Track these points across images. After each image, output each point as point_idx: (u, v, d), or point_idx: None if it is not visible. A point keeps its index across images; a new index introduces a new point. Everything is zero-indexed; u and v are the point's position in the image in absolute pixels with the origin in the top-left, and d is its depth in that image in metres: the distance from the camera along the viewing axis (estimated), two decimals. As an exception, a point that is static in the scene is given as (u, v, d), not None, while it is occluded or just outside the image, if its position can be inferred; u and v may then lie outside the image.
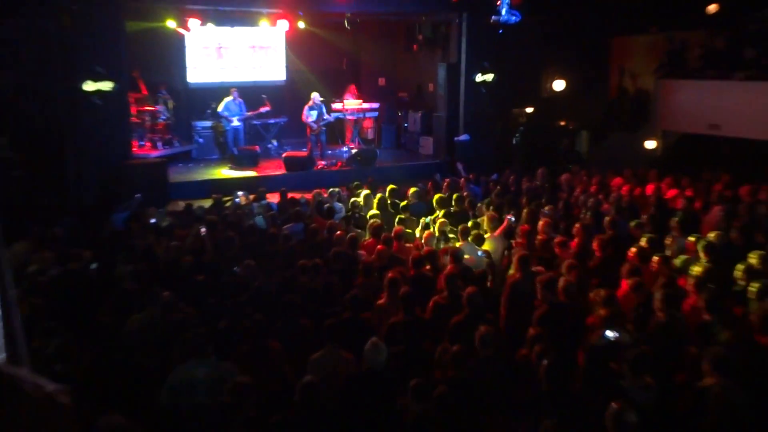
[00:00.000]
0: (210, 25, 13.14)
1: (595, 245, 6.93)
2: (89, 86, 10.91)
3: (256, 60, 16.07)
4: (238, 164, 13.81)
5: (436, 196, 9.42)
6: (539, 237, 7.28)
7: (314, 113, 14.05)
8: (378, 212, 8.90)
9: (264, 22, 13.62)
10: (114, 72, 11.24)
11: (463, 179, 11.16)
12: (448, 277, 5.74)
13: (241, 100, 14.78)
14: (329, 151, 15.18)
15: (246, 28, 15.31)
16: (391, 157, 15.58)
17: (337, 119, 15.41)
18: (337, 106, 15.54)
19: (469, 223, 8.09)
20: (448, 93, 14.75)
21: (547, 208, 8.75)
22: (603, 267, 6.59)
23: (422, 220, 8.51)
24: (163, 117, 14.52)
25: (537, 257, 6.73)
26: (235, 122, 14.63)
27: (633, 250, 6.63)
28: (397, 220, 8.48)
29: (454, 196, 9.40)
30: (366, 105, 15.89)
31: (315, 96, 14.09)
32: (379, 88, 17.58)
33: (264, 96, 15.11)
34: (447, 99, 14.79)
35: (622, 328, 4.92)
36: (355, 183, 11.03)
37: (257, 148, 14.52)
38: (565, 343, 4.87)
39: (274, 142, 15.88)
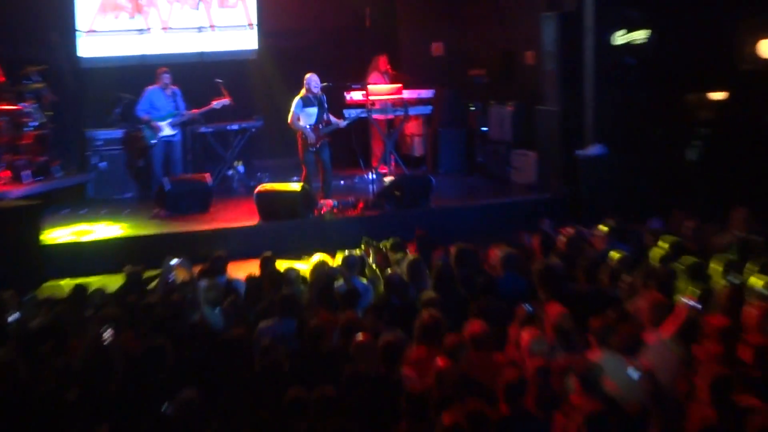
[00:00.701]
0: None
1: None
2: None
3: (204, 15, 16.47)
4: (172, 208, 14.09)
5: (543, 264, 9.37)
6: (750, 338, 7.09)
7: (312, 112, 14.14)
8: (436, 295, 8.79)
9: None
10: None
11: (600, 231, 11.08)
12: (591, 420, 5.65)
13: (176, 88, 15.10)
14: (341, 182, 15.49)
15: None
16: (456, 190, 15.78)
17: (356, 121, 15.46)
18: (355, 95, 15.73)
19: (611, 314, 7.90)
20: (564, 68, 14.82)
21: (758, 282, 8.51)
22: None
23: (520, 308, 8.31)
24: (34, 123, 14.71)
25: (746, 378, 6.54)
26: (167, 130, 14.96)
27: None
28: (472, 308, 8.38)
29: (581, 262, 9.26)
30: (409, 93, 15.98)
31: (311, 79, 14.22)
32: (432, 62, 17.60)
33: (219, 81, 15.36)
34: (561, 79, 14.85)
35: None
36: (392, 240, 11.01)
37: (208, 177, 14.76)
38: None
39: (239, 166, 16.20)
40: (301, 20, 17.21)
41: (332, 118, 14.40)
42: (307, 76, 14.21)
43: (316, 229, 13.49)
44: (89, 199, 15.53)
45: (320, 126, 14.17)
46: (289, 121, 14.13)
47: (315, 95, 14.15)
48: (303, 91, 14.14)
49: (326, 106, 14.33)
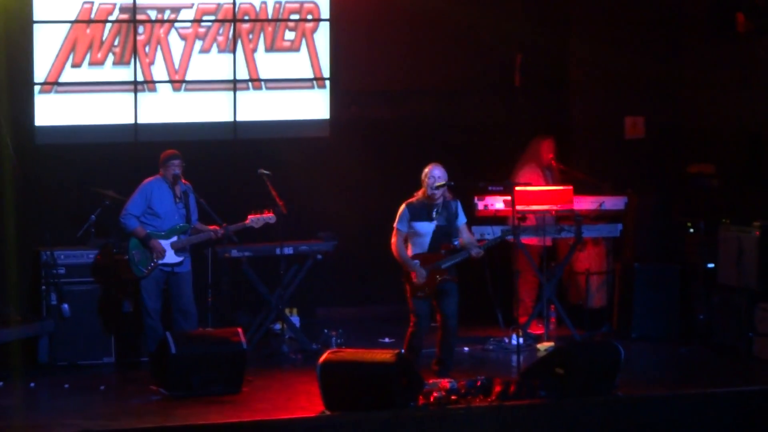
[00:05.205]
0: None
1: None
2: None
3: (242, 63, 13.76)
4: (177, 384, 11.34)
5: None
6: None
7: (424, 229, 11.42)
8: None
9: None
10: None
11: None
12: None
13: (188, 184, 12.27)
14: (465, 348, 12.84)
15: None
16: (661, 368, 13.21)
17: (494, 246, 12.70)
18: (492, 203, 13.20)
19: None
20: None
21: None
22: None
23: None
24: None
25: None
26: (170, 254, 12.12)
27: None
28: None
29: None
30: (584, 201, 13.26)
31: (434, 174, 11.44)
32: (624, 150, 15.08)
33: (264, 172, 12.69)
34: None
35: None
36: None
37: (240, 333, 11.83)
38: None
39: (293, 317, 13.62)
40: (403, 75, 14.25)
41: (467, 239, 11.50)
42: (427, 169, 11.51)
43: (420, 428, 10.30)
44: (41, 365, 12.39)
45: (438, 255, 11.38)
46: (392, 244, 11.40)
47: (436, 200, 11.35)
48: (418, 193, 11.36)
49: (459, 218, 11.53)
